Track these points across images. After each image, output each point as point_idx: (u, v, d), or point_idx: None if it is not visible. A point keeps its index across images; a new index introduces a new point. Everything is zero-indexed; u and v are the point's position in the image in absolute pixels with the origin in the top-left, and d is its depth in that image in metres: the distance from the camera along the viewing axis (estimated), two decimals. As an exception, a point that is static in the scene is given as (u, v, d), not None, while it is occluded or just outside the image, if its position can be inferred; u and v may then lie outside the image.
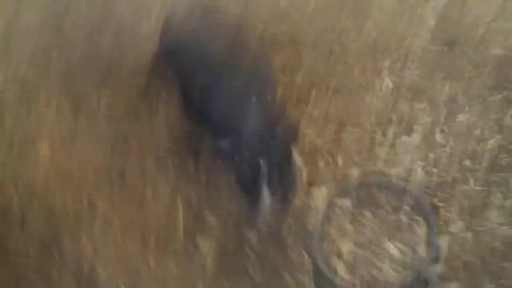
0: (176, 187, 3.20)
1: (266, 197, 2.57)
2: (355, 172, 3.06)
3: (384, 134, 3.10)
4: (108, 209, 3.25)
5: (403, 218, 2.90)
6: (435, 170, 3.02)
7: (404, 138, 3.11)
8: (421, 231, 2.81)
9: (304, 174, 2.94)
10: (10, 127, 3.47)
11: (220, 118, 2.71)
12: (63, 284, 3.12)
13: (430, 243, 2.76)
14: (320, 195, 2.98)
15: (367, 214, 2.95)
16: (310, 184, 3.05)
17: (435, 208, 2.89)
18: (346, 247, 2.90)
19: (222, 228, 3.07)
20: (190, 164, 3.17)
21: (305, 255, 2.90)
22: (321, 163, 3.09)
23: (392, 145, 3.10)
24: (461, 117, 3.08)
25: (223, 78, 2.69)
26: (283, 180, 2.66)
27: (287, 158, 2.69)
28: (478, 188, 2.94)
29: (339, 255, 2.88)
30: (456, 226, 2.86)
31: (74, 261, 3.16)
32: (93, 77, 3.52)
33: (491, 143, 3.00)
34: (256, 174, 2.53)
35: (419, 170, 3.01)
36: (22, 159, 3.37)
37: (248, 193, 2.70)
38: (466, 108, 3.10)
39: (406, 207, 2.90)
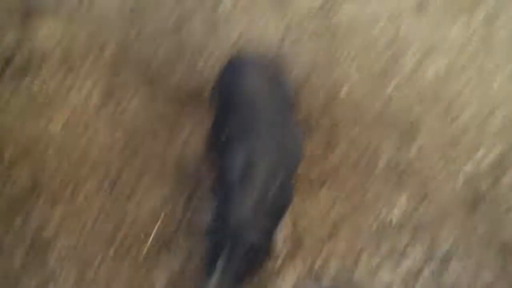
0: (165, 202, 3.31)
1: (215, 275, 2.61)
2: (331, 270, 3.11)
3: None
4: (90, 197, 3.32)
5: None
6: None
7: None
8: None
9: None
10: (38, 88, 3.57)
11: (228, 170, 2.83)
12: (16, 243, 3.13)
13: None
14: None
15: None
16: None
17: None
18: None
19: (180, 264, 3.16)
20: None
21: None
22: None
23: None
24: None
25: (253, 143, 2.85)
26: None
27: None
28: None
29: None
30: None
31: (38, 225, 3.19)
32: (139, 74, 3.65)
33: None
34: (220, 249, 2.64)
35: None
36: (34, 124, 3.46)
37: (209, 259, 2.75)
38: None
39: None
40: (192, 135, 3.45)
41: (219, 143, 2.89)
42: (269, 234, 2.75)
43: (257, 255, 2.64)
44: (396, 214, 3.20)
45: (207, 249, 2.66)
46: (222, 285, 2.55)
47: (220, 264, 2.52)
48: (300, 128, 3.17)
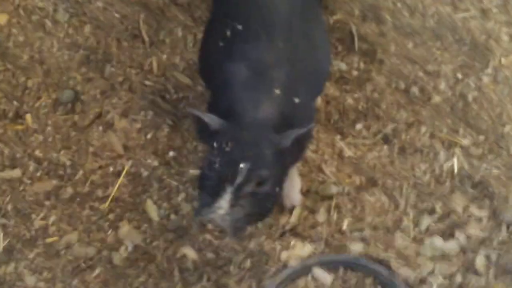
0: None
1: (223, 202, 2.31)
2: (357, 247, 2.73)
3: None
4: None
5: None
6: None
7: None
8: None
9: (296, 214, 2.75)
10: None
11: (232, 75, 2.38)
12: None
13: None
14: (297, 252, 2.85)
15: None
16: (294, 233, 2.74)
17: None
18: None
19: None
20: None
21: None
22: (321, 216, 2.77)
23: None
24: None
25: None
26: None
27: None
28: None
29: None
30: None
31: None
32: None
33: None
34: (227, 174, 2.33)
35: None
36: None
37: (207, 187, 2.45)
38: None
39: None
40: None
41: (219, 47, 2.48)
42: (283, 167, 2.34)
43: (267, 194, 2.24)
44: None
45: (205, 178, 2.25)
46: (223, 223, 2.24)
47: (223, 197, 2.20)
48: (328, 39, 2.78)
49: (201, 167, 2.36)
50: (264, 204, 2.24)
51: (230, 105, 2.29)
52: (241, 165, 2.13)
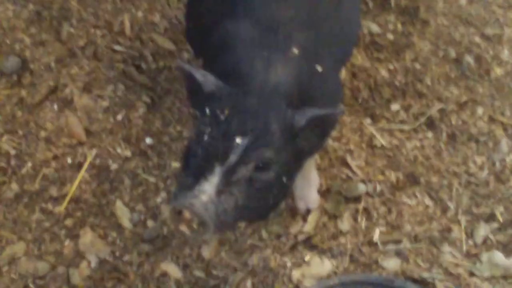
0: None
1: (208, 186, 2.28)
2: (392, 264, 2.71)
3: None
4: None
5: None
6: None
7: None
8: None
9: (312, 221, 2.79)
10: None
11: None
12: None
13: None
14: (314, 270, 2.83)
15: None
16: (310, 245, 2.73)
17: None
18: None
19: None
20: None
21: None
22: (346, 223, 2.77)
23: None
24: None
25: None
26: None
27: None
28: None
29: None
30: None
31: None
32: None
33: None
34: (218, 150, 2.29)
35: None
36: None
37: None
38: None
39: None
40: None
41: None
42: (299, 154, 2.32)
43: (269, 184, 2.21)
44: None
45: (191, 154, 2.23)
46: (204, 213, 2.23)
47: (209, 180, 2.23)
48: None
49: (188, 140, 2.36)
50: (264, 197, 2.22)
51: (231, 68, 2.28)
52: (238, 140, 2.12)
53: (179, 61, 2.35)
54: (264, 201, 2.22)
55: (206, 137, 2.12)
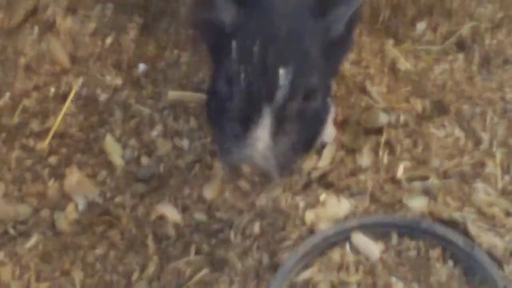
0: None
1: (262, 130, 2.25)
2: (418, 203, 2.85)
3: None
4: None
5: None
6: None
7: None
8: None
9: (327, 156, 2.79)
10: None
11: None
12: None
13: None
14: (330, 211, 2.79)
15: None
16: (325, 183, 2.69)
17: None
18: None
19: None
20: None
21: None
22: (366, 157, 2.79)
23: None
24: None
25: None
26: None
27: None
28: None
29: None
30: None
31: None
32: None
33: None
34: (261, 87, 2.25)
35: None
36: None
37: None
38: None
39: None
40: None
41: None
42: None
43: (316, 112, 2.22)
44: None
45: (222, 101, 2.21)
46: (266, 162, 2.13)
47: (261, 123, 2.09)
48: None
49: (210, 86, 2.33)
50: (314, 127, 2.23)
51: None
52: (281, 71, 2.07)
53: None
54: (316, 129, 2.25)
55: (242, 76, 2.07)
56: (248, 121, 2.08)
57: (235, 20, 2.16)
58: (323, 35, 2.16)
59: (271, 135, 2.07)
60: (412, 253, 2.51)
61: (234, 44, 2.12)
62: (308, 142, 2.27)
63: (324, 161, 2.66)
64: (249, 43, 2.10)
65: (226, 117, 2.17)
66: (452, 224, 2.52)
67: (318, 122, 2.24)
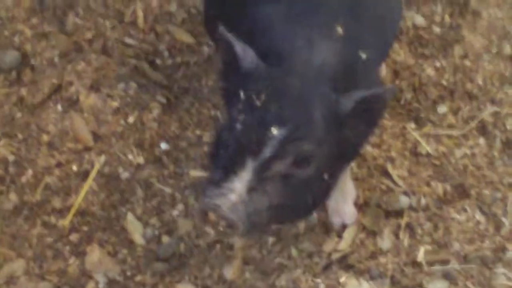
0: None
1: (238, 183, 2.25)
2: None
3: None
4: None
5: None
6: None
7: None
8: None
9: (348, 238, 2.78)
10: None
11: None
12: None
13: None
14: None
15: None
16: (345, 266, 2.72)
17: None
18: None
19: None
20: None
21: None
22: (386, 240, 2.74)
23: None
24: None
25: None
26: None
27: None
28: None
29: None
30: None
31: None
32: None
33: None
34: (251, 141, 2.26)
35: None
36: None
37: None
38: None
39: None
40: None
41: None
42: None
43: (308, 181, 2.18)
44: None
45: (220, 145, 2.22)
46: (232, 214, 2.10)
47: (240, 176, 2.09)
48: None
49: (218, 128, 2.36)
50: (301, 196, 2.19)
51: (267, 49, 2.25)
52: (274, 131, 2.08)
53: (221, 28, 2.32)
54: (302, 200, 2.20)
55: (238, 126, 2.09)
56: (230, 171, 2.07)
57: (251, 68, 2.16)
58: (332, 108, 2.14)
59: (248, 189, 2.06)
60: (431, 338, 2.59)
61: (241, 91, 2.13)
62: (291, 210, 2.22)
63: (344, 243, 2.71)
64: (254, 95, 2.11)
65: (215, 162, 2.19)
66: (472, 310, 2.59)
67: (306, 192, 2.18)
